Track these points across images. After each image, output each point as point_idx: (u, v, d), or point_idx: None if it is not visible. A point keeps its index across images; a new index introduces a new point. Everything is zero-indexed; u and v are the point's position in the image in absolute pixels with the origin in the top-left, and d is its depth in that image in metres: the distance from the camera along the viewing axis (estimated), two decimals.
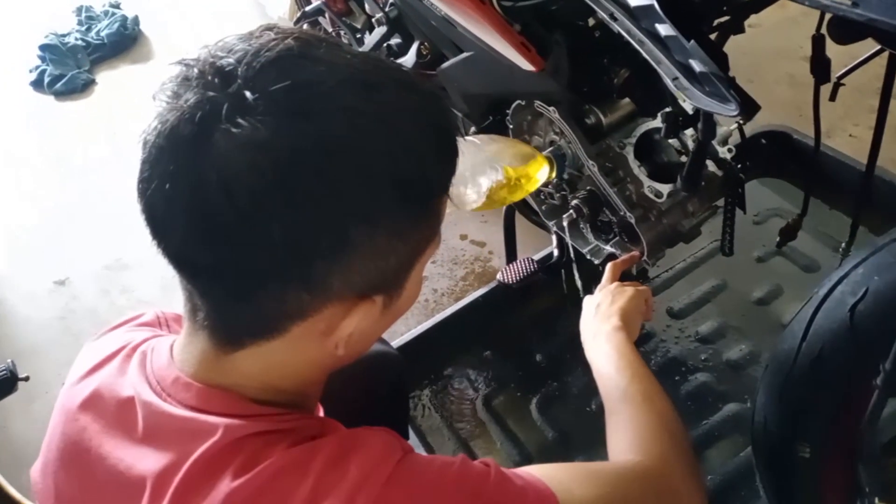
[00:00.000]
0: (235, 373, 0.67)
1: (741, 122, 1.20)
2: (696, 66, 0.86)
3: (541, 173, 1.33)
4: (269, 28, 0.63)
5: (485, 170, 1.26)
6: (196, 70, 0.60)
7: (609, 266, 1.28)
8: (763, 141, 2.01)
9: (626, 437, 0.89)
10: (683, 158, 1.30)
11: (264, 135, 0.56)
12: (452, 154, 0.68)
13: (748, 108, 0.83)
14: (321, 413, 0.81)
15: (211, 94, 0.58)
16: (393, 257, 0.65)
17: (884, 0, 0.57)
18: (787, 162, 2.00)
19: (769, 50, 2.45)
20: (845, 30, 0.85)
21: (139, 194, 0.62)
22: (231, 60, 0.59)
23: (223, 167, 0.56)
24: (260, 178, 0.56)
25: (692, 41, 0.85)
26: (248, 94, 0.57)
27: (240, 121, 0.56)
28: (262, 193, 0.56)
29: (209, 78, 0.59)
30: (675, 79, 0.89)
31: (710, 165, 1.28)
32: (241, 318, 0.65)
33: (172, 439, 0.65)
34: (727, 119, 0.96)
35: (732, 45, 1.13)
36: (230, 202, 0.56)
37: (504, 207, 1.67)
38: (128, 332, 0.80)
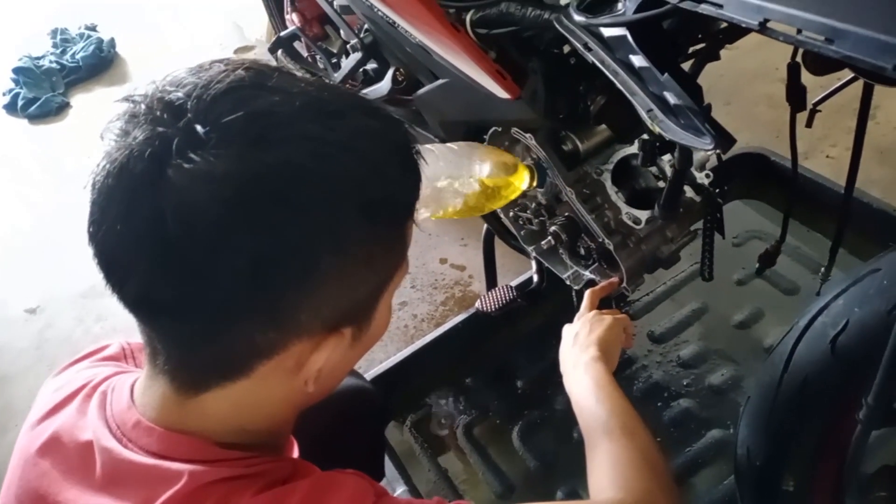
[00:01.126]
0: (200, 416, 0.65)
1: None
2: (671, 98, 0.85)
3: (521, 181, 1.31)
4: (220, 60, 0.61)
5: (462, 175, 1.24)
6: (144, 106, 0.58)
7: (587, 293, 1.26)
8: (740, 164, 2.01)
9: (607, 473, 0.88)
10: (661, 184, 1.29)
11: (222, 166, 0.54)
12: (417, 176, 0.67)
13: (723, 141, 0.83)
14: (296, 449, 0.79)
15: (160, 129, 0.56)
16: (362, 286, 0.64)
17: (860, 36, 0.56)
18: (764, 184, 2.01)
19: (747, 71, 2.46)
20: (821, 61, 0.85)
21: (90, 237, 0.60)
22: (180, 94, 0.57)
23: (181, 201, 0.54)
24: (222, 210, 0.54)
25: (665, 74, 0.84)
26: (199, 127, 0.56)
27: (192, 155, 0.54)
28: (224, 225, 0.55)
29: (158, 113, 0.57)
30: (649, 111, 0.88)
31: (688, 191, 1.27)
32: (204, 360, 0.63)
33: (133, 487, 0.63)
34: None
35: (709, 67, 1.13)
36: (191, 236, 0.54)
37: (483, 232, 1.66)
38: (89, 368, 0.78)
